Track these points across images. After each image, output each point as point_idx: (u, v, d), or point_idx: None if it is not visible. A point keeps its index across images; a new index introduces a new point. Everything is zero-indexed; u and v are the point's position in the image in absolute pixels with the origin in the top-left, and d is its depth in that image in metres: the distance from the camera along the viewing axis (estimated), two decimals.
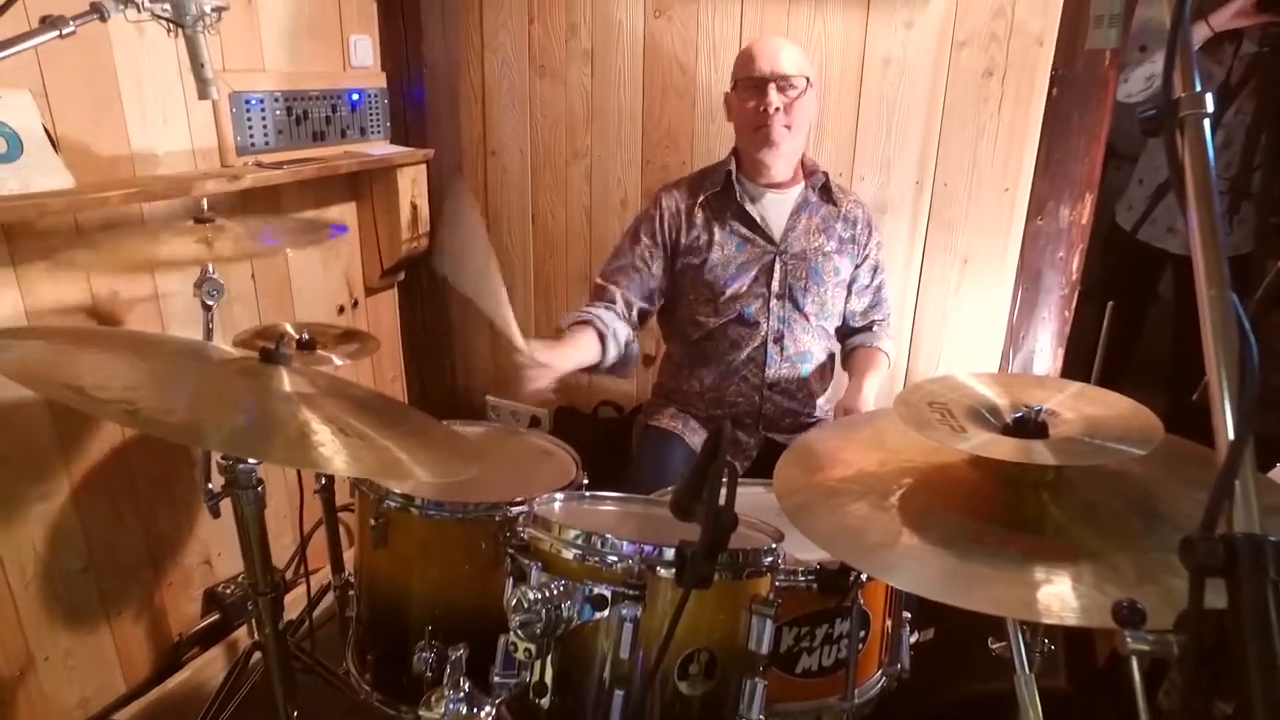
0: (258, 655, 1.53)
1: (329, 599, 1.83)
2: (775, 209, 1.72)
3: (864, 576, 1.10)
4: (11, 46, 0.97)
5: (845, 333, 1.85)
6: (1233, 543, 0.48)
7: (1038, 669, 1.31)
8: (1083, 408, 1.00)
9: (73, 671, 1.69)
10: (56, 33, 1.01)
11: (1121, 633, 0.53)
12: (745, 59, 1.65)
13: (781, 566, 1.04)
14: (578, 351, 1.59)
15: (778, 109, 1.59)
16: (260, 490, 1.23)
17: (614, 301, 1.69)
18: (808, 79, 1.62)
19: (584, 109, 2.25)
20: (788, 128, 1.62)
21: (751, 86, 1.62)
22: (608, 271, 1.74)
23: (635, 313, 1.71)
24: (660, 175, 2.18)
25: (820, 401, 1.83)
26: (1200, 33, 2.06)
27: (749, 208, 1.70)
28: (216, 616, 1.98)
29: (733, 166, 1.71)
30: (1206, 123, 0.63)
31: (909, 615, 1.29)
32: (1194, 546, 0.49)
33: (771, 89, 1.59)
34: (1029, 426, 0.95)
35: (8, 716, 1.58)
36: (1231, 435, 0.53)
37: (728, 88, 1.72)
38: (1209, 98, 0.63)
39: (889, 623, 1.23)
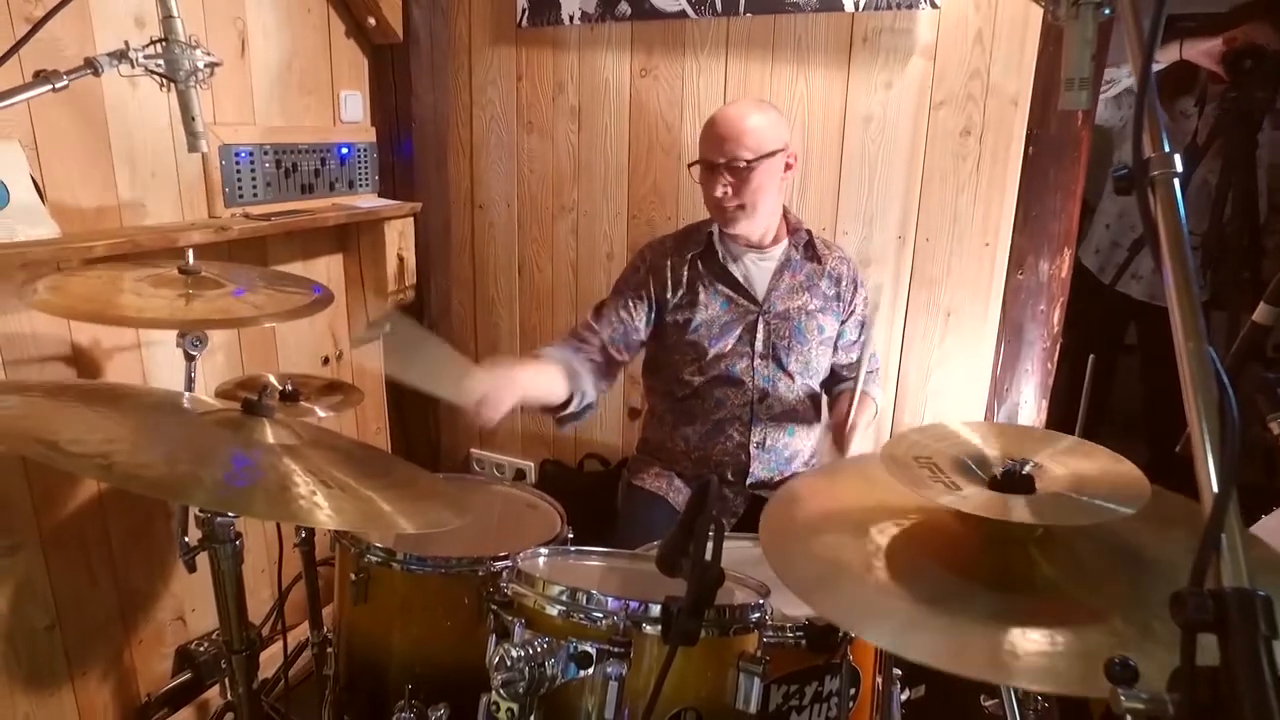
0: (230, 716, 1.48)
1: (306, 656, 1.77)
2: (758, 269, 1.73)
3: (853, 633, 1.08)
4: (4, 100, 0.97)
5: (833, 381, 1.85)
6: (1222, 598, 0.48)
7: None
8: (1070, 462, 1.00)
9: None
10: (50, 87, 1.03)
11: (1115, 691, 0.52)
12: (704, 135, 1.65)
13: (769, 623, 1.02)
14: (542, 375, 1.60)
15: (725, 192, 1.61)
16: (238, 544, 1.21)
17: (596, 348, 1.68)
18: (761, 155, 1.59)
19: (571, 164, 2.29)
20: (741, 208, 1.63)
21: (706, 169, 1.63)
22: (593, 317, 1.73)
23: (609, 362, 1.70)
24: (646, 230, 2.21)
25: (806, 458, 1.83)
26: (1169, 54, 2.13)
27: (732, 268, 1.71)
28: (188, 675, 1.91)
29: (714, 228, 1.72)
30: (1176, 181, 0.65)
31: (900, 672, 1.27)
32: (1184, 602, 0.49)
33: (720, 173, 1.60)
34: (1015, 481, 0.94)
35: None
36: (1215, 489, 0.53)
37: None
38: (1177, 158, 0.65)
39: (880, 680, 1.21)
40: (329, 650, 1.40)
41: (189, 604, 1.94)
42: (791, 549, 0.97)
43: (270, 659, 1.92)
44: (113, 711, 1.80)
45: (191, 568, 1.47)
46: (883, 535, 0.97)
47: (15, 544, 1.56)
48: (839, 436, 1.66)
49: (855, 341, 1.82)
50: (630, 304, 1.72)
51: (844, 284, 1.77)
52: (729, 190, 1.60)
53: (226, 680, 1.29)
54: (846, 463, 1.52)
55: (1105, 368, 2.68)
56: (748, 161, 1.59)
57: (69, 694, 1.70)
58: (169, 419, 1.13)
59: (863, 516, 1.03)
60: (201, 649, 1.93)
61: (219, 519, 1.18)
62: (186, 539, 1.48)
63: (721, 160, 1.59)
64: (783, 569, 0.91)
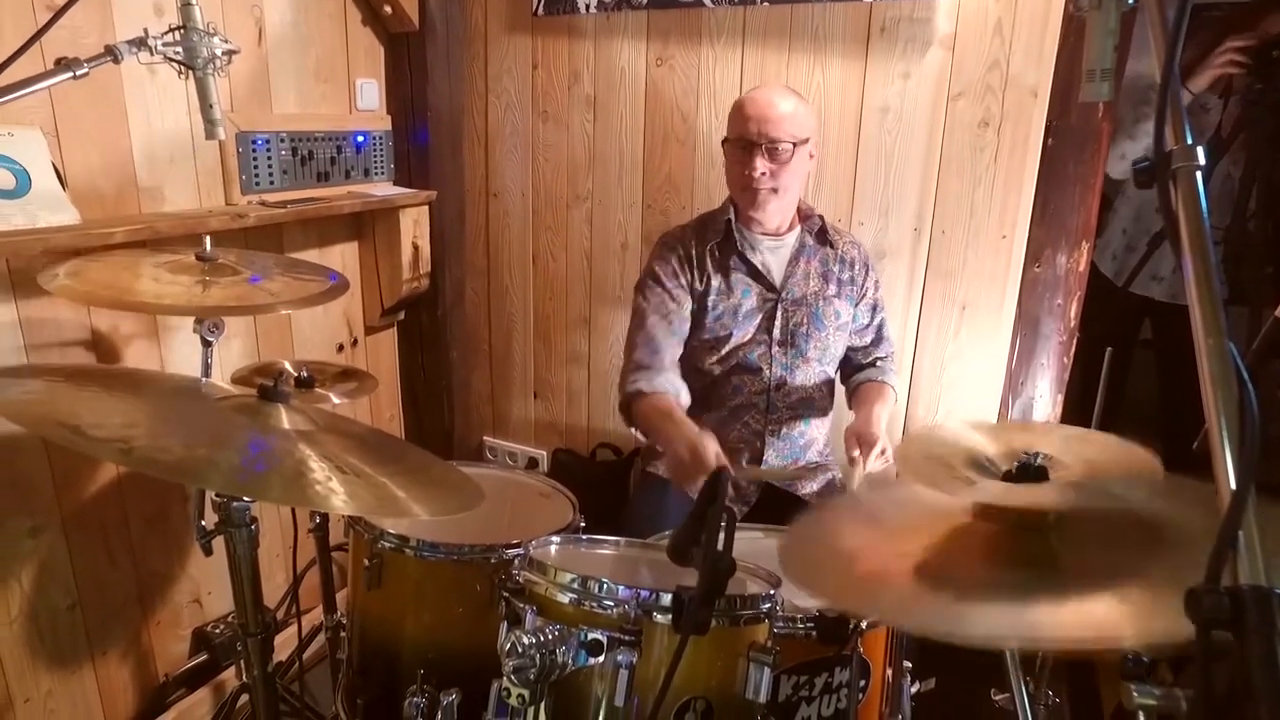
0: (245, 698, 1.50)
1: (320, 640, 1.80)
2: (774, 255, 1.73)
3: (864, 625, 1.08)
4: (26, 87, 0.98)
5: (850, 371, 1.84)
6: (1239, 595, 0.48)
7: None
8: (1078, 451, 0.99)
9: (53, 714, 1.66)
10: (70, 74, 1.03)
11: (1128, 686, 0.52)
12: (738, 114, 1.63)
13: (780, 613, 1.02)
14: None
15: (764, 173, 1.59)
16: (254, 529, 1.22)
17: (674, 369, 1.69)
18: (799, 141, 1.60)
19: (586, 153, 2.29)
20: (774, 190, 1.62)
21: (740, 147, 1.62)
22: (648, 334, 1.69)
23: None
24: (661, 220, 2.20)
25: (821, 447, 1.83)
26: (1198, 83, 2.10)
27: (750, 255, 1.70)
28: (204, 657, 1.94)
29: (731, 215, 1.72)
30: (1198, 174, 0.64)
31: (910, 664, 1.27)
32: (1199, 599, 0.49)
33: (759, 154, 1.58)
34: (1030, 473, 0.94)
35: None
36: (1233, 485, 0.53)
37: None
38: (1200, 150, 0.64)
39: (889, 672, 1.21)
40: (342, 634, 1.41)
41: (205, 587, 1.97)
42: (822, 574, 0.95)
43: (285, 642, 1.95)
44: (132, 690, 1.83)
45: (208, 551, 1.49)
46: (911, 547, 0.96)
47: (38, 525, 1.59)
48: (863, 441, 1.58)
49: (868, 325, 1.82)
50: (676, 293, 1.70)
51: (856, 268, 1.77)
52: (768, 172, 1.60)
53: (242, 662, 1.31)
54: (852, 501, 1.47)
55: (1120, 363, 2.65)
56: (793, 146, 1.59)
57: (90, 673, 1.73)
58: (187, 404, 1.14)
59: (882, 538, 1.02)
60: (217, 631, 1.95)
61: (235, 503, 1.19)
62: (203, 523, 1.50)
63: (763, 141, 1.58)
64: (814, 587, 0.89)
